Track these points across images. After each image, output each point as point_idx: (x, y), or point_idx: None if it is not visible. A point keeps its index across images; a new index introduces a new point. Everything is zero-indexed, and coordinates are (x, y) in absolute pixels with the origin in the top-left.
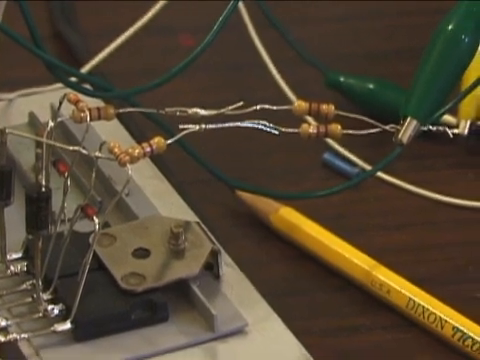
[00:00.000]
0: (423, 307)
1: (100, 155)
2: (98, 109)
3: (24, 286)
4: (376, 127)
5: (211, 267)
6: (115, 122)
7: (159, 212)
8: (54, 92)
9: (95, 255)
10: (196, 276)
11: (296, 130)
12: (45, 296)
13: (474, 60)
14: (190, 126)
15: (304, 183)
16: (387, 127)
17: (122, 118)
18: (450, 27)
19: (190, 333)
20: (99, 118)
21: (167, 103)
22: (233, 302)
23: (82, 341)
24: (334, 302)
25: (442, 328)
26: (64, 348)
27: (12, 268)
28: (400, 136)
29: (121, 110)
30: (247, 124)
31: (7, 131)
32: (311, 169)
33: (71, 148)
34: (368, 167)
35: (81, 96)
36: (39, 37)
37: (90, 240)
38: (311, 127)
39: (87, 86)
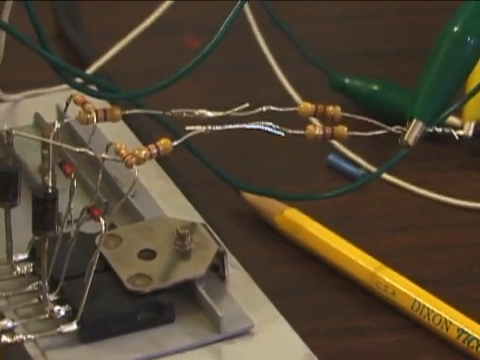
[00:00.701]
0: (428, 308)
1: (106, 156)
2: (104, 110)
3: (30, 287)
4: (381, 128)
5: (217, 268)
6: (121, 123)
7: (165, 213)
8: (60, 93)
9: (101, 256)
10: (202, 277)
11: (302, 132)
12: (51, 297)
13: (479, 62)
14: (196, 127)
15: (309, 184)
16: (393, 129)
17: (128, 119)
18: (456, 29)
19: (196, 334)
20: (105, 119)
21: (173, 104)
22: (239, 303)
23: (88, 342)
24: (339, 303)
25: (447, 330)
26: (70, 349)
27: (18, 269)
28: (406, 138)
29: (127, 111)
30: (253, 126)
31: (13, 132)
32: (316, 170)
33: (77, 149)
34: (373, 169)
35: (87, 97)
36: (46, 38)
37: (96, 241)
38: (317, 129)
39: (93, 87)
